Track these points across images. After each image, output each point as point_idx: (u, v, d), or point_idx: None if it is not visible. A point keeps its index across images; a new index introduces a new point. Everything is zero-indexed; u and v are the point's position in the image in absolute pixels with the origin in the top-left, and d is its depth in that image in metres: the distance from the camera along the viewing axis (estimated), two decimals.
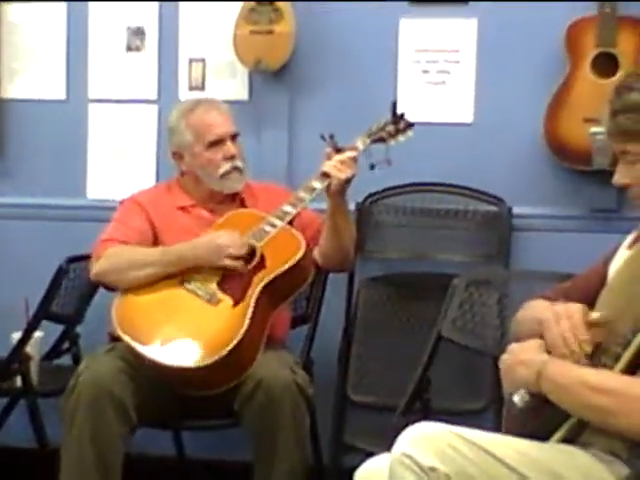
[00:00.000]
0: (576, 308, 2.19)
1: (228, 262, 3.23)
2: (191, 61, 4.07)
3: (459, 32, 3.87)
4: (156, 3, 4.08)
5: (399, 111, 3.50)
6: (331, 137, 3.39)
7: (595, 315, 2.18)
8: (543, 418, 2.18)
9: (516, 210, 3.80)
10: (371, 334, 3.86)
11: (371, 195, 3.89)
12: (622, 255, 2.36)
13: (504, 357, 2.28)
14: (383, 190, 3.88)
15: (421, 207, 3.87)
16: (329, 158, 3.34)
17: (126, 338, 3.13)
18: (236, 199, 3.53)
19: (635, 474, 1.65)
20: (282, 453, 3.07)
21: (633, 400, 2.01)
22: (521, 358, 2.21)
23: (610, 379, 2.06)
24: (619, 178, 2.22)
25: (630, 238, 2.40)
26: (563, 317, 2.17)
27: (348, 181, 3.31)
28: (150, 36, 4.09)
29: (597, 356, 2.14)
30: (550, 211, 3.83)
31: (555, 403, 2.12)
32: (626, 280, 2.23)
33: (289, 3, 3.84)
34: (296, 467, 3.12)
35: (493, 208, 3.81)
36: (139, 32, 4.09)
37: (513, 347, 2.27)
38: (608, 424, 2.05)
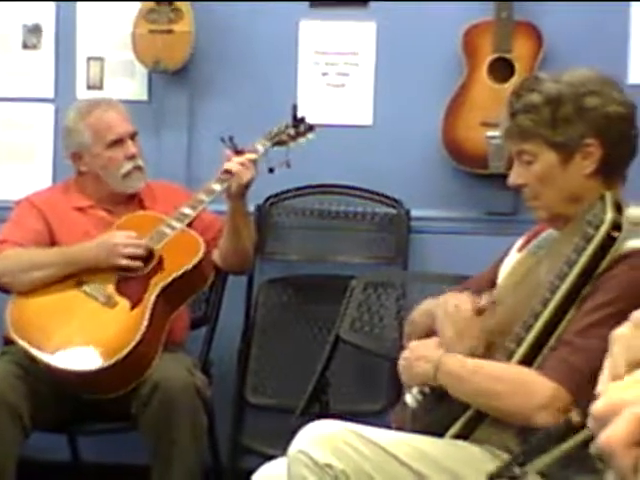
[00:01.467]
0: (463, 300, 2.24)
1: (124, 261, 3.20)
2: (89, 60, 4.01)
3: (358, 35, 3.89)
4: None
5: (299, 114, 3.51)
6: (231, 139, 3.38)
7: (483, 301, 2.23)
8: (436, 416, 2.21)
9: (414, 212, 3.84)
10: (270, 336, 3.86)
11: (271, 197, 3.89)
12: (513, 258, 2.40)
13: (404, 354, 2.31)
14: (283, 192, 3.88)
15: (320, 209, 3.88)
16: (229, 160, 3.33)
17: (21, 342, 3.08)
18: (135, 200, 3.49)
19: (527, 449, 1.68)
20: (179, 456, 3.06)
21: (524, 385, 2.06)
22: (420, 354, 2.25)
23: (505, 367, 2.11)
24: (515, 178, 2.26)
25: (521, 241, 2.44)
26: (453, 307, 2.21)
27: (248, 183, 3.30)
28: (47, 33, 4.02)
29: (491, 358, 2.18)
30: (447, 214, 3.87)
31: (452, 399, 2.16)
32: (516, 282, 2.27)
33: (189, 3, 3.82)
34: (193, 469, 3.11)
35: (391, 210, 3.84)
36: (36, 29, 4.03)
37: (412, 344, 2.31)
38: (501, 409, 2.10)
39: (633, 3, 3.70)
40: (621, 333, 1.01)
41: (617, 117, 2.17)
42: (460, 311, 2.22)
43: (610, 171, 2.19)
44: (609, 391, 0.84)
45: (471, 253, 3.57)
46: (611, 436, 0.77)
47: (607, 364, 1.00)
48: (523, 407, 2.05)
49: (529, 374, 2.08)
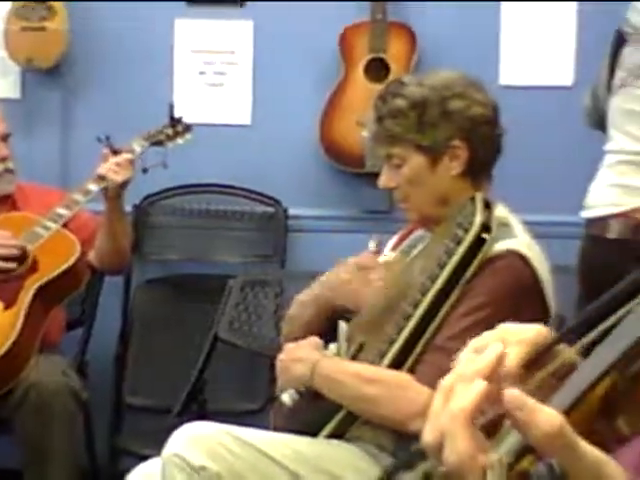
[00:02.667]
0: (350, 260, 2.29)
1: None
2: None
3: (235, 34, 3.89)
4: None
5: (177, 114, 3.49)
6: (107, 139, 3.34)
7: (372, 246, 2.28)
8: (312, 415, 2.22)
9: (292, 211, 3.85)
10: (148, 336, 3.83)
11: (149, 196, 3.86)
12: (386, 257, 2.43)
13: (280, 356, 2.32)
14: (161, 191, 3.86)
15: (199, 208, 3.87)
16: (105, 160, 3.29)
17: None
18: (7, 202, 3.43)
19: (395, 464, 1.70)
20: (54, 459, 3.02)
21: (398, 389, 2.09)
22: (296, 356, 2.26)
23: (379, 370, 2.13)
24: (385, 182, 2.29)
25: (394, 240, 2.47)
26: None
27: (124, 183, 3.27)
28: None
29: (362, 358, 2.20)
30: (325, 212, 3.90)
31: (327, 398, 2.18)
32: (388, 282, 2.30)
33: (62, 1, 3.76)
34: (69, 471, 3.07)
35: (269, 209, 3.85)
36: None
37: (288, 346, 2.31)
38: (377, 414, 2.12)
39: (503, 5, 3.78)
40: (464, 357, 1.03)
41: (481, 119, 2.21)
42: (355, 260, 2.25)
43: (477, 172, 2.23)
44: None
45: (349, 251, 3.58)
46: (453, 452, 0.79)
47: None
48: (398, 413, 2.06)
49: (405, 380, 2.10)
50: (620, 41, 2.66)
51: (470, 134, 2.20)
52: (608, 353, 0.83)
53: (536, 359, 0.98)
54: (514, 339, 1.02)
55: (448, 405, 0.81)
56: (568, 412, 0.77)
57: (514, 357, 0.99)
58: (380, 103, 2.23)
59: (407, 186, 2.24)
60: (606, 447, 0.80)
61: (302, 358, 2.24)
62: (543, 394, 0.86)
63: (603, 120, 2.79)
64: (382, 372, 2.13)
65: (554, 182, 3.70)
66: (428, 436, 0.83)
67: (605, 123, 2.78)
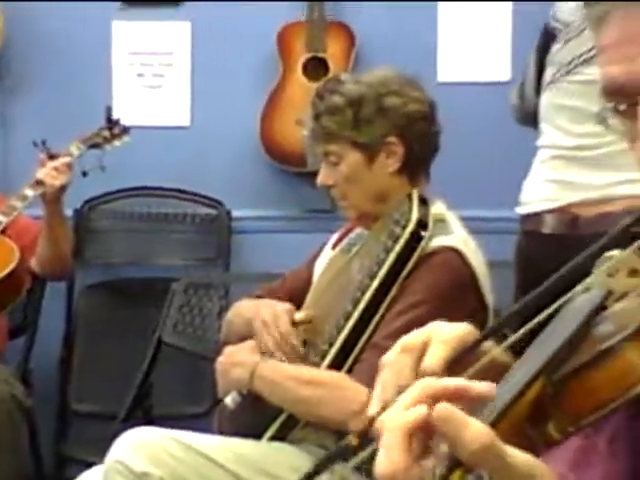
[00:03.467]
0: (282, 310, 2.25)
1: None
2: None
3: (173, 35, 3.87)
4: None
5: (114, 116, 3.47)
6: (43, 143, 3.31)
7: (299, 315, 2.25)
8: (255, 417, 2.22)
9: (235, 213, 3.84)
10: (92, 342, 3.80)
11: (89, 200, 3.83)
12: (327, 255, 2.43)
13: (219, 359, 2.31)
14: (101, 195, 3.83)
15: (140, 212, 3.84)
16: (43, 165, 3.26)
17: None
18: None
19: (315, 466, 1.70)
20: None
21: (336, 390, 2.08)
22: (235, 360, 2.24)
23: (318, 372, 2.13)
24: (323, 179, 2.29)
25: (335, 238, 2.47)
26: (271, 320, 2.22)
27: (63, 188, 3.24)
28: None
29: (305, 353, 2.20)
30: (268, 213, 3.89)
31: (268, 401, 2.17)
32: (329, 280, 2.30)
33: None
34: None
35: (212, 211, 3.84)
36: None
37: (228, 349, 2.30)
38: (317, 415, 2.12)
39: (440, 2, 3.80)
40: (389, 358, 1.03)
41: (417, 116, 2.22)
42: (279, 324, 2.22)
43: (414, 168, 2.24)
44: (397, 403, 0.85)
45: (293, 251, 3.58)
46: (386, 462, 0.78)
47: (376, 389, 1.01)
48: (338, 414, 2.05)
49: (343, 380, 2.09)
50: (548, 37, 2.68)
51: (406, 131, 2.20)
52: (536, 358, 0.83)
53: (461, 358, 0.99)
54: (439, 338, 1.02)
55: (390, 415, 0.80)
56: (497, 422, 0.77)
57: (437, 356, 0.99)
58: (317, 100, 2.24)
59: (344, 183, 2.24)
60: (536, 452, 0.80)
61: (241, 362, 2.22)
62: None
63: (531, 116, 2.82)
64: (320, 373, 2.13)
65: (492, 177, 3.72)
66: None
67: (532, 119, 2.80)
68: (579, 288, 0.92)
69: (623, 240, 0.93)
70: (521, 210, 2.72)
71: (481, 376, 0.95)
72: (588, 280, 0.91)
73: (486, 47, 3.80)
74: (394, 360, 1.03)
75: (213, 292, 3.53)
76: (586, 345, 0.82)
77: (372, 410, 0.91)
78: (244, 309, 2.41)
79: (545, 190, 2.63)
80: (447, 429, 0.76)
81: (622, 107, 0.98)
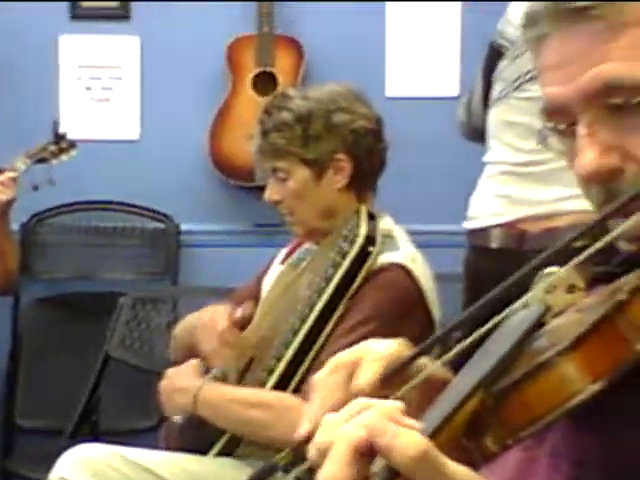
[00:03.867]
0: (220, 310, 2.25)
1: None
2: None
3: (122, 49, 3.85)
4: None
5: (61, 130, 3.45)
6: None
7: (239, 313, 2.24)
8: (202, 433, 2.21)
9: (184, 227, 3.83)
10: (39, 357, 3.76)
11: (36, 215, 3.80)
12: (276, 270, 2.43)
13: (162, 383, 2.29)
14: (49, 209, 3.80)
15: (88, 226, 3.82)
16: None
17: None
18: None
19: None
20: None
21: (284, 411, 2.07)
22: (177, 386, 2.22)
23: (263, 394, 2.12)
24: (270, 195, 2.29)
25: (284, 252, 2.47)
26: (210, 321, 2.21)
27: (9, 202, 3.21)
28: None
29: (252, 372, 2.19)
30: (217, 227, 3.89)
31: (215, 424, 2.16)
32: (278, 295, 2.30)
33: None
34: None
35: (160, 225, 3.82)
36: None
37: (170, 372, 2.28)
38: (265, 436, 2.10)
39: (388, 17, 3.82)
40: (320, 377, 1.03)
41: (365, 132, 2.22)
42: (217, 324, 2.22)
43: (362, 184, 2.25)
44: (326, 422, 0.85)
45: (242, 265, 3.58)
46: (328, 475, 0.78)
47: (307, 408, 1.01)
48: (286, 435, 2.01)
49: (290, 400, 2.08)
50: (495, 54, 2.70)
51: (354, 147, 2.21)
52: (475, 372, 0.83)
53: (394, 375, 0.99)
54: (372, 355, 1.02)
55: (340, 426, 0.80)
56: (435, 434, 0.77)
57: (368, 375, 1.00)
58: (265, 117, 2.23)
59: (292, 199, 2.24)
60: (474, 465, 0.80)
61: (183, 388, 2.20)
62: (406, 410, 0.86)
63: (478, 132, 2.84)
64: (267, 395, 2.12)
65: (440, 192, 3.74)
66: (312, 449, 0.82)
67: (480, 135, 2.83)
68: (518, 304, 0.93)
69: (563, 256, 0.94)
70: (469, 225, 2.74)
71: (417, 392, 0.96)
72: (527, 296, 0.92)
73: (435, 62, 3.83)
74: (325, 379, 1.03)
75: (161, 306, 3.52)
76: (524, 360, 0.83)
77: (303, 429, 0.91)
78: (188, 321, 2.40)
79: (493, 205, 2.65)
80: (381, 440, 0.76)
81: (562, 127, 0.99)
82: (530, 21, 0.99)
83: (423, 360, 1.03)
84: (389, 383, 0.98)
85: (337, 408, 0.97)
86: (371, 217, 2.15)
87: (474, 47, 3.65)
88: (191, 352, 2.30)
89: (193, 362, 2.24)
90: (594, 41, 0.94)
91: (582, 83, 0.95)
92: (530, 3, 0.99)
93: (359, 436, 0.77)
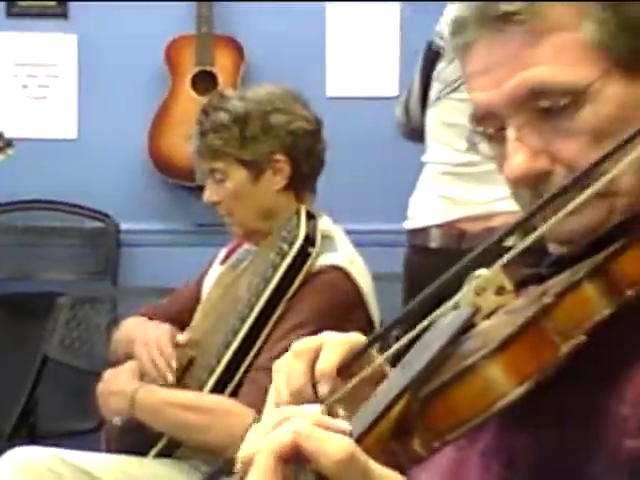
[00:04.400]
0: (163, 332, 2.23)
1: None
2: None
3: (59, 47, 3.82)
4: None
5: None
6: None
7: (181, 337, 2.23)
8: (141, 435, 2.20)
9: (123, 226, 3.81)
10: None
11: None
12: (216, 271, 2.42)
13: (99, 386, 2.27)
14: None
15: (25, 225, 3.78)
16: None
17: None
18: None
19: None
20: None
21: (222, 415, 2.07)
22: (113, 389, 2.21)
23: (200, 397, 2.11)
24: (209, 196, 2.28)
25: (223, 253, 2.47)
26: (151, 342, 2.20)
27: None
28: None
29: (192, 372, 2.18)
30: (157, 226, 3.87)
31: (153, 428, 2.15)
32: (218, 296, 2.29)
33: None
34: None
35: (99, 224, 3.80)
36: None
37: (107, 375, 2.26)
38: (202, 440, 2.10)
39: (328, 17, 3.83)
40: (282, 363, 1.04)
41: (303, 133, 2.22)
42: (162, 347, 2.19)
43: (300, 185, 2.24)
44: (251, 434, 0.86)
45: (182, 265, 3.57)
46: None
47: (270, 395, 1.02)
48: (224, 439, 2.02)
49: (229, 404, 2.08)
50: (433, 55, 2.72)
51: (292, 148, 2.20)
52: (403, 375, 0.84)
53: (352, 363, 1.00)
54: (331, 343, 1.03)
55: (266, 436, 0.80)
56: (363, 437, 0.78)
57: (330, 359, 1.01)
58: (203, 117, 2.22)
59: (231, 201, 2.23)
60: (402, 469, 0.81)
61: (119, 390, 2.18)
62: (356, 401, 0.87)
63: (416, 132, 2.86)
64: (205, 398, 2.11)
65: (380, 191, 3.75)
66: (243, 453, 0.82)
67: (418, 135, 2.85)
68: (449, 305, 0.94)
69: (495, 256, 0.95)
70: (409, 225, 2.75)
71: (368, 383, 0.97)
72: (457, 297, 0.93)
73: (374, 62, 3.84)
74: (287, 365, 1.04)
75: (100, 307, 3.50)
76: (452, 362, 0.84)
77: (266, 416, 0.92)
78: (129, 328, 2.38)
79: (432, 205, 2.67)
80: (308, 445, 0.76)
81: (491, 131, 1.00)
82: (457, 28, 1.01)
83: (374, 353, 1.05)
84: (346, 371, 1.00)
85: (300, 393, 0.99)
86: (311, 217, 2.15)
87: (413, 47, 3.66)
88: (131, 359, 2.28)
89: (131, 364, 2.23)
90: (519, 46, 0.96)
91: (509, 88, 0.96)
92: (456, 10, 1.01)
93: (281, 443, 0.77)
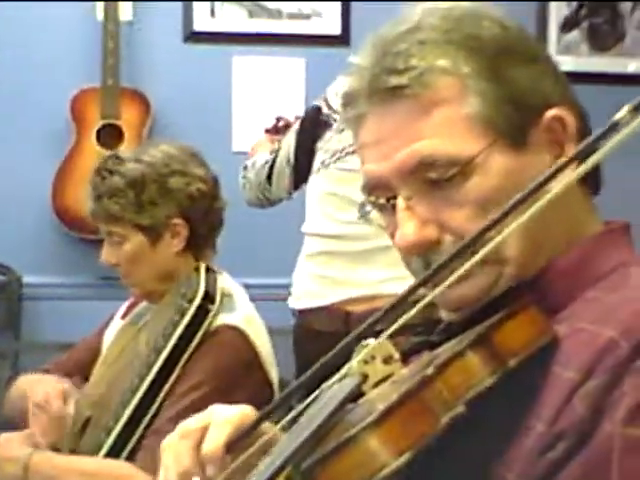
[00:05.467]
0: (55, 392, 2.18)
1: None
2: None
3: None
4: None
5: None
6: None
7: (66, 385, 2.20)
8: None
9: (26, 279, 3.76)
10: None
11: None
12: (117, 325, 2.39)
13: None
14: None
15: None
16: None
17: None
18: None
19: None
20: None
21: (122, 479, 2.03)
22: (6, 455, 2.13)
23: (97, 463, 2.06)
24: (106, 257, 2.24)
25: (124, 307, 2.44)
26: (42, 402, 2.15)
27: None
28: None
29: (90, 432, 2.14)
30: (61, 279, 3.82)
31: None
32: (118, 352, 2.26)
33: None
34: None
35: (1, 277, 3.74)
36: None
37: (0, 439, 2.20)
38: None
39: (235, 72, 3.85)
40: (169, 443, 1.04)
41: (201, 195, 2.19)
42: (48, 404, 2.15)
43: (199, 246, 2.22)
44: None
45: (86, 319, 3.52)
46: None
47: (160, 474, 1.02)
48: None
49: (124, 469, 2.02)
50: (320, 122, 2.67)
51: (190, 211, 2.17)
52: (286, 447, 0.84)
53: (241, 440, 1.00)
54: (218, 421, 1.03)
55: None
56: None
57: (217, 440, 1.01)
58: (98, 180, 2.17)
59: (128, 264, 2.20)
60: None
61: (13, 457, 2.09)
62: (250, 473, 0.87)
63: (268, 199, 2.86)
64: (102, 463, 2.06)
65: (274, 246, 3.74)
66: None
67: (267, 201, 2.86)
68: (340, 374, 0.95)
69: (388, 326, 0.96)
70: (293, 304, 2.72)
71: (260, 453, 0.97)
72: (347, 366, 0.94)
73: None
74: (173, 445, 1.04)
75: (2, 361, 3.43)
76: (337, 432, 0.85)
77: None
78: (23, 385, 2.32)
79: (314, 287, 2.65)
80: None
81: (382, 201, 1.03)
82: (348, 101, 1.03)
83: (266, 424, 1.05)
84: (235, 448, 1.00)
85: (186, 474, 0.99)
86: (211, 274, 2.14)
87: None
88: (24, 417, 2.22)
89: (27, 430, 2.16)
90: (408, 119, 0.98)
91: (398, 160, 0.99)
92: (348, 83, 1.03)
93: None
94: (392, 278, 2.40)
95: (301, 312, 2.69)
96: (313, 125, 2.69)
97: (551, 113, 1.00)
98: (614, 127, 0.81)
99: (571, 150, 0.99)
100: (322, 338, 2.54)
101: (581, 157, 0.85)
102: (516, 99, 0.99)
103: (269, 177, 2.86)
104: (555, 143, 1.01)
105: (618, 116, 0.81)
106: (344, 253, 2.59)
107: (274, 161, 2.84)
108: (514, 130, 0.99)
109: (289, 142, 2.79)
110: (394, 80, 0.98)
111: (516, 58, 1.00)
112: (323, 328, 2.58)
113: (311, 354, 2.56)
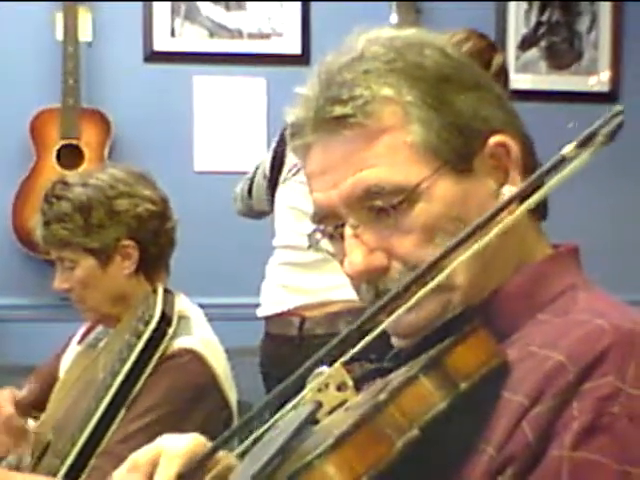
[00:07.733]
0: (4, 398, 2.18)
1: None
2: None
3: None
4: None
5: None
6: None
7: (22, 393, 2.19)
8: None
9: None
10: None
11: None
12: (73, 349, 2.38)
13: None
14: None
15: None
16: None
17: None
18: None
19: None
20: None
21: None
22: None
23: None
24: (58, 284, 2.24)
25: (81, 332, 2.43)
26: None
27: None
28: None
29: (48, 457, 2.13)
30: (22, 301, 3.80)
31: None
32: (75, 376, 2.25)
33: None
34: None
35: None
36: None
37: None
38: None
39: (196, 92, 3.85)
40: (118, 475, 1.03)
41: (149, 216, 2.18)
42: (1, 411, 2.14)
43: (151, 267, 2.21)
44: None
45: (49, 341, 3.50)
46: None
47: None
48: None
49: None
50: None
51: (139, 232, 2.17)
52: (241, 477, 0.85)
53: (193, 472, 1.00)
54: (169, 454, 1.03)
55: None
56: None
57: (167, 474, 1.00)
58: (46, 206, 2.16)
59: (80, 288, 2.19)
60: None
61: None
62: None
63: (252, 210, 2.95)
64: None
65: (240, 265, 3.74)
66: None
67: (253, 212, 2.94)
68: (294, 402, 0.95)
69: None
70: (260, 312, 2.81)
71: None
72: (301, 394, 0.95)
73: (242, 137, 3.87)
74: (122, 478, 1.04)
75: None
76: (292, 460, 0.85)
77: None
78: None
79: (275, 294, 2.74)
80: None
81: (330, 229, 1.03)
82: (295, 130, 1.04)
83: (221, 453, 1.05)
84: (190, 478, 0.99)
85: None
86: (168, 296, 2.13)
87: (280, 123, 3.72)
88: None
89: None
90: (353, 148, 0.99)
91: (344, 189, 0.99)
92: (293, 113, 1.03)
93: None
94: (342, 285, 2.43)
95: (267, 318, 2.78)
96: (282, 138, 2.72)
97: (495, 139, 1.01)
98: (561, 162, 0.82)
99: (515, 176, 1.01)
100: (283, 342, 2.68)
101: (529, 191, 0.86)
102: (459, 126, 1.00)
103: (249, 191, 2.91)
104: (499, 169, 1.02)
105: (565, 151, 0.82)
106: (299, 263, 2.66)
107: (254, 175, 2.91)
108: (458, 156, 1.00)
109: (268, 156, 2.83)
110: (339, 110, 0.99)
111: (458, 85, 1.01)
112: (281, 332, 2.70)
113: (274, 358, 2.65)
